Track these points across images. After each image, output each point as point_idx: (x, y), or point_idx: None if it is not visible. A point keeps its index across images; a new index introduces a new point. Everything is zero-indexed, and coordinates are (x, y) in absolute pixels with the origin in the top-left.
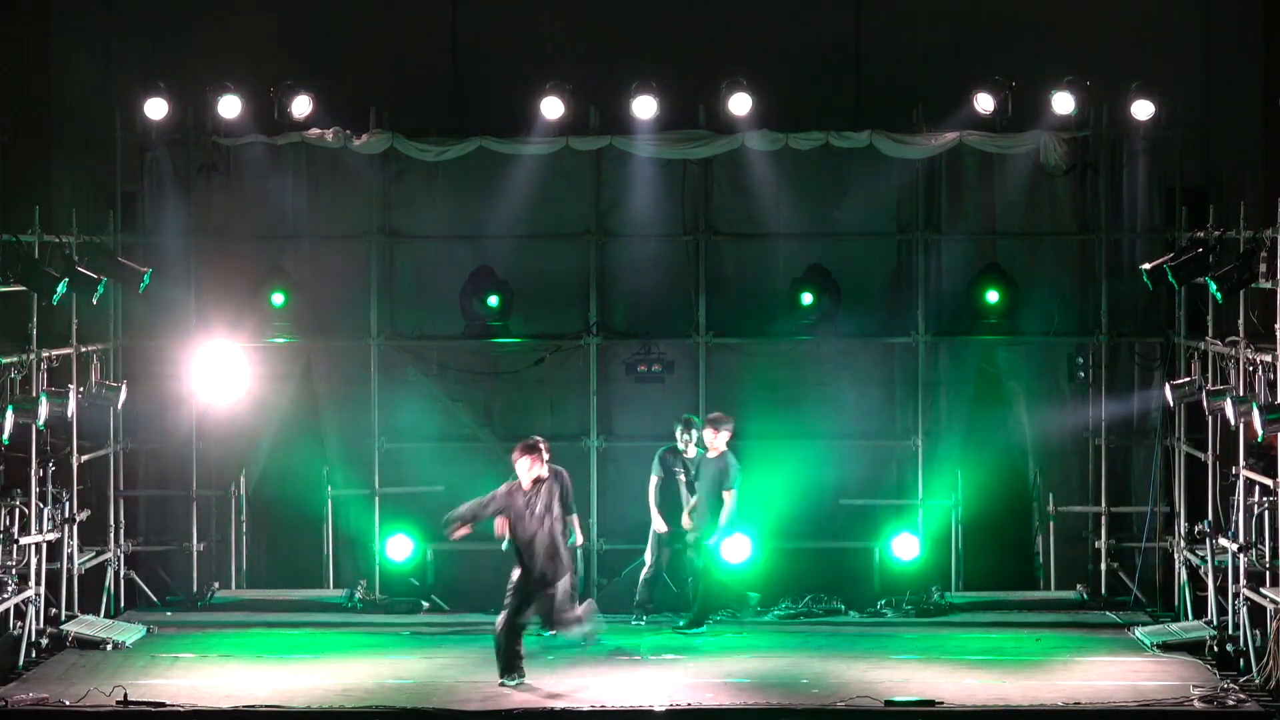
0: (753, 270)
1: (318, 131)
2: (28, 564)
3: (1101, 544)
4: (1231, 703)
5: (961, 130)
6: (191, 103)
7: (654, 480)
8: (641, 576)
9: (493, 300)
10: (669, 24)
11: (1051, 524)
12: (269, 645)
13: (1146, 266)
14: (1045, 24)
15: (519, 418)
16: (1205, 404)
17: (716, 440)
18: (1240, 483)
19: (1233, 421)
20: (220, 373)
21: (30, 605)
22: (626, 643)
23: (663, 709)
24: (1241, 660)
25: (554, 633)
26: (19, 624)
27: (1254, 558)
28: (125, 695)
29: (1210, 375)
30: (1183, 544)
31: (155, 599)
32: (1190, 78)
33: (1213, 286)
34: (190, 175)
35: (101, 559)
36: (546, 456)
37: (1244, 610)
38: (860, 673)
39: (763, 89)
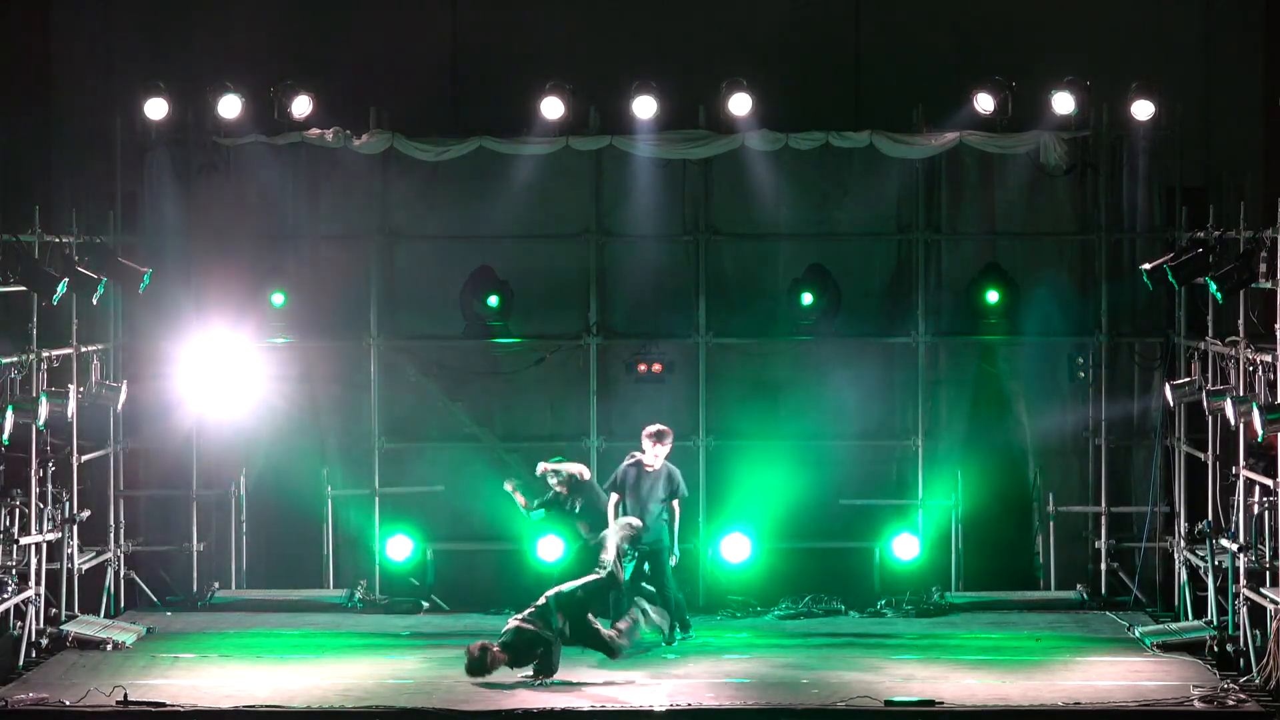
0: (753, 270)
1: (318, 131)
2: (28, 564)
3: (1101, 544)
4: (1231, 703)
5: (961, 130)
6: (191, 103)
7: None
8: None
9: (493, 300)
10: (669, 24)
11: (1051, 524)
12: (269, 645)
13: (1146, 266)
14: (1045, 24)
15: (519, 418)
16: (1205, 404)
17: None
18: (1240, 483)
19: (1233, 421)
20: (220, 372)
21: (30, 605)
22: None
23: (663, 709)
24: (1241, 660)
25: None
26: (19, 624)
27: (1254, 558)
28: (125, 695)
29: (1210, 375)
30: (1183, 544)
31: (155, 599)
32: (1190, 78)
33: (1213, 286)
34: (190, 175)
35: (101, 559)
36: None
37: (1244, 610)
38: (860, 672)
39: (763, 89)
